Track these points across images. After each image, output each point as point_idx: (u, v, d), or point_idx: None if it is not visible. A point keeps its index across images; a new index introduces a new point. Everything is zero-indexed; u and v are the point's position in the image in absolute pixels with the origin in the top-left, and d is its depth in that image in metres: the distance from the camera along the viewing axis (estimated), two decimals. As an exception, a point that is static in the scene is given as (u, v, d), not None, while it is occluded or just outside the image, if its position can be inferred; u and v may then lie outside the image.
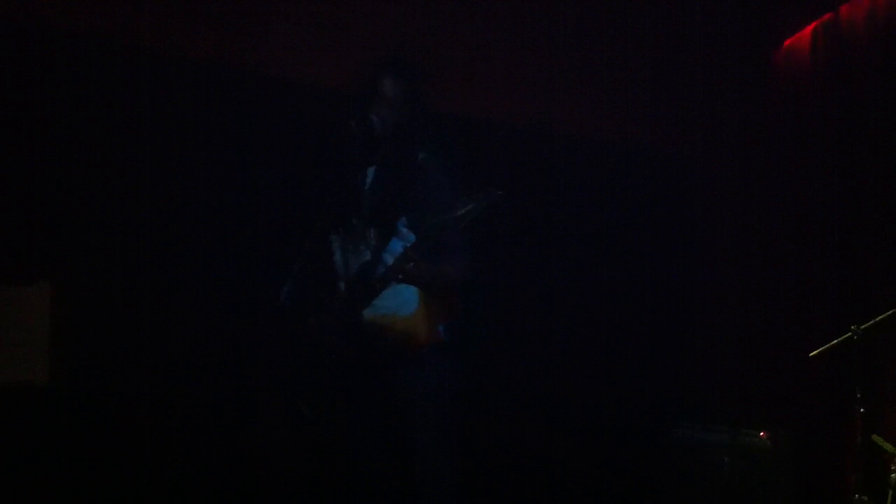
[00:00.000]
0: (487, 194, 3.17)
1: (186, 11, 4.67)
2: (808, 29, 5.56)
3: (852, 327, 4.15)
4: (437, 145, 3.64)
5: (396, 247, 3.43)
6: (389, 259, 3.42)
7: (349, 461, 3.70)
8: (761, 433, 4.97)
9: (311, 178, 4.12)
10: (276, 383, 4.59)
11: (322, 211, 3.51)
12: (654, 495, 5.50)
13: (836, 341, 4.18)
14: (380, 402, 3.59)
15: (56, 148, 4.36)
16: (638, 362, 5.82)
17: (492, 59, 5.51)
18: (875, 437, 4.06)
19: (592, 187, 5.79)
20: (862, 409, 4.11)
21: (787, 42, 5.70)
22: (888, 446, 4.02)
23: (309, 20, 4.96)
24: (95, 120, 4.43)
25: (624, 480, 5.60)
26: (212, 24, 4.73)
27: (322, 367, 3.64)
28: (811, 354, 4.23)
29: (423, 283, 3.41)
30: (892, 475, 4.01)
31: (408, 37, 5.09)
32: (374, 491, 3.60)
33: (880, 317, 4.14)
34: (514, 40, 5.57)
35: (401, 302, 3.49)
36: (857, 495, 4.07)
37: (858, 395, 4.12)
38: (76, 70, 4.40)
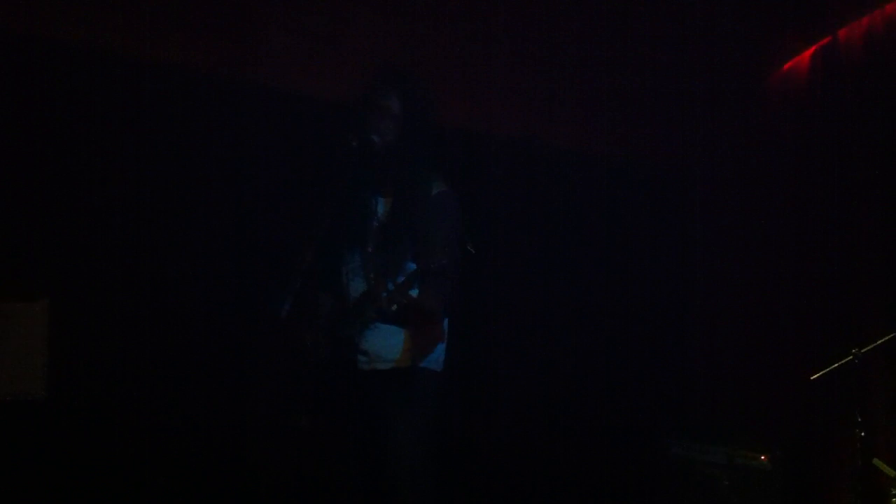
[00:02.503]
0: (464, 251, 3.24)
1: (186, 23, 4.66)
2: (808, 53, 5.59)
3: (853, 351, 4.16)
4: (445, 164, 3.61)
5: (401, 279, 3.42)
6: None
7: (338, 473, 3.70)
8: (761, 456, 4.96)
9: (313, 193, 4.11)
10: (274, 395, 4.59)
11: (334, 231, 3.48)
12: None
13: (836, 364, 4.19)
14: (364, 419, 3.57)
15: (53, 165, 4.35)
16: (637, 380, 5.82)
17: (489, 73, 5.52)
18: (876, 461, 4.06)
19: (590, 201, 5.81)
20: (862, 433, 4.12)
21: (787, 66, 5.73)
22: (889, 470, 4.02)
23: (307, 32, 4.96)
24: (96, 135, 4.43)
25: (621, 497, 5.59)
26: (211, 36, 4.73)
27: (315, 381, 3.63)
28: (812, 377, 4.23)
29: (405, 321, 3.42)
30: (893, 499, 4.01)
31: (408, 51, 5.09)
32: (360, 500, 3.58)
33: (881, 340, 4.15)
34: (514, 55, 5.58)
35: (387, 346, 3.48)
36: (857, 519, 4.07)
37: (859, 419, 4.13)
38: (78, 83, 4.39)
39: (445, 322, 3.58)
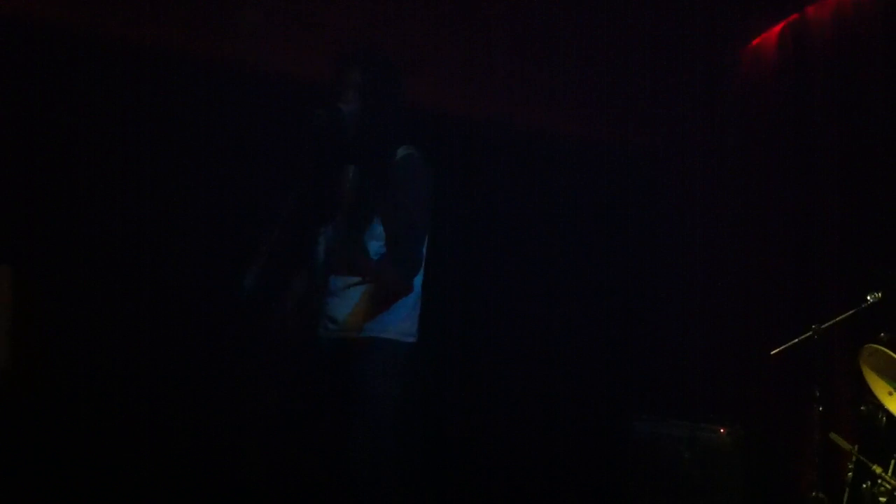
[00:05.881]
0: None
1: (158, 2, 4.62)
2: (776, 29, 5.60)
3: (812, 327, 4.19)
4: (416, 138, 3.62)
5: (371, 247, 3.45)
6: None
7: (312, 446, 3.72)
8: (720, 429, 5.01)
9: (280, 170, 4.10)
10: (244, 370, 4.59)
11: (302, 205, 3.48)
12: (614, 487, 5.54)
13: (796, 340, 4.23)
14: (332, 393, 3.59)
15: (14, 133, 4.31)
16: (601, 356, 5.85)
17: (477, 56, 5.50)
18: (833, 436, 4.10)
19: (559, 183, 5.81)
20: (820, 408, 4.16)
21: (755, 42, 5.74)
22: (845, 444, 4.06)
23: (286, 12, 4.92)
24: (61, 107, 4.39)
25: (584, 472, 5.64)
26: (183, 14, 4.68)
27: (283, 358, 3.65)
28: (772, 353, 4.27)
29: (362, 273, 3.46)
30: (849, 473, 4.06)
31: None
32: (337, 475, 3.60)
33: (840, 317, 4.19)
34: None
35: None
36: (814, 493, 4.11)
37: (817, 394, 4.17)
38: (44, 59, 4.36)
39: (418, 287, 3.60)
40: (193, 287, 4.61)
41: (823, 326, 4.18)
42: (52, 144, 4.39)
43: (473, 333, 5.46)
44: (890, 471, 3.89)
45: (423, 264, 3.57)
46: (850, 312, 4.16)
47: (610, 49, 5.77)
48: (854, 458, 4.04)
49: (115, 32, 4.52)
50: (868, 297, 4.10)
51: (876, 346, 3.92)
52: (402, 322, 3.56)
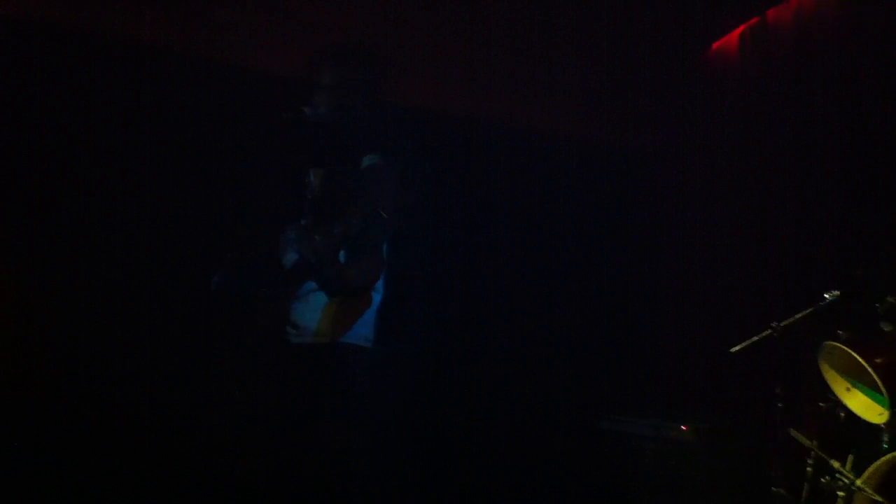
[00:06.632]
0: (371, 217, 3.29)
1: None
2: (737, 32, 5.65)
3: (772, 324, 4.24)
4: (391, 139, 3.62)
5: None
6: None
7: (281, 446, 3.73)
8: (682, 426, 5.06)
9: (251, 170, 4.10)
10: (211, 368, 4.58)
11: (270, 207, 3.50)
12: (578, 485, 5.57)
13: (756, 338, 4.26)
14: (297, 394, 3.61)
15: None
16: (566, 355, 5.88)
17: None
18: (792, 432, 4.16)
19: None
20: (780, 405, 4.21)
21: (716, 45, 5.80)
22: (805, 440, 4.12)
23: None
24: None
25: (549, 470, 5.66)
26: (166, 10, 4.68)
27: (247, 352, 3.66)
28: (732, 350, 4.31)
29: (332, 291, 3.46)
30: (808, 469, 4.11)
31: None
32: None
33: (800, 314, 4.23)
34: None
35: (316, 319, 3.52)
36: (773, 488, 4.17)
37: (777, 391, 4.22)
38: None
39: (378, 297, 3.61)
40: (171, 287, 4.61)
41: (783, 324, 4.23)
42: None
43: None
44: (848, 465, 3.95)
45: (384, 271, 3.58)
46: (810, 310, 4.21)
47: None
48: (814, 454, 4.10)
49: (104, 29, 4.52)
50: (826, 296, 4.15)
51: (834, 343, 3.98)
52: (360, 328, 3.58)
